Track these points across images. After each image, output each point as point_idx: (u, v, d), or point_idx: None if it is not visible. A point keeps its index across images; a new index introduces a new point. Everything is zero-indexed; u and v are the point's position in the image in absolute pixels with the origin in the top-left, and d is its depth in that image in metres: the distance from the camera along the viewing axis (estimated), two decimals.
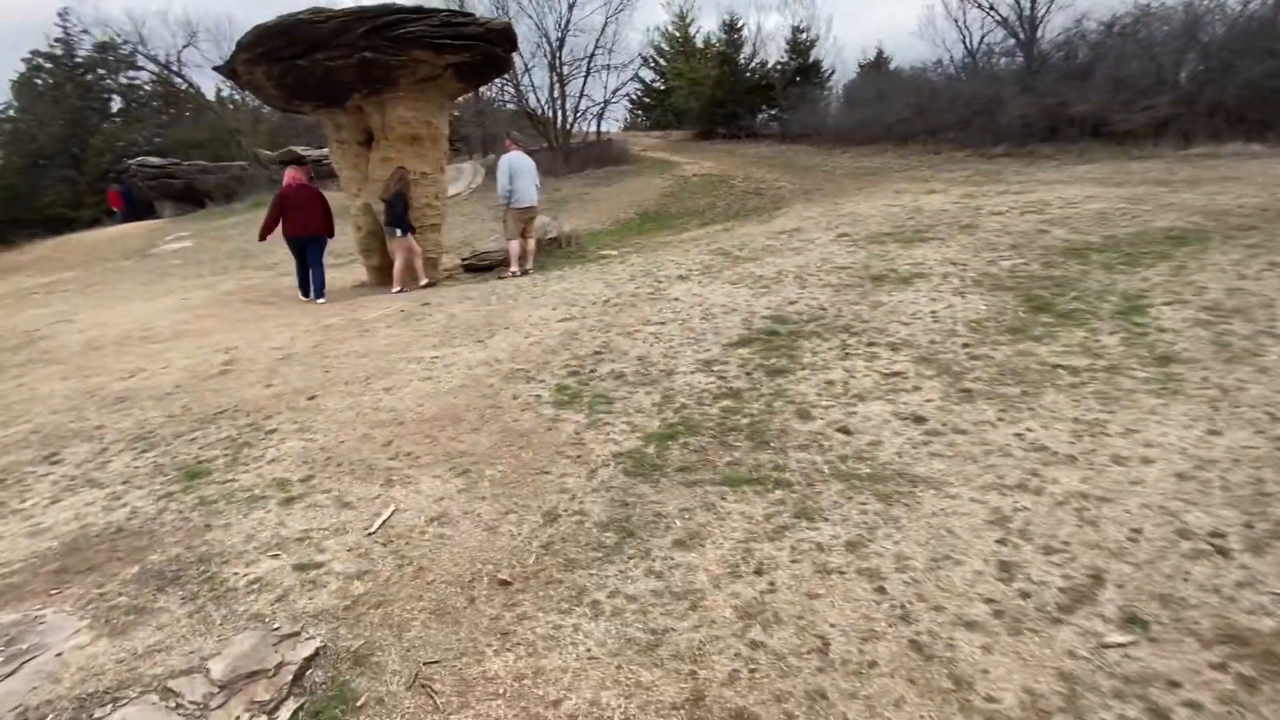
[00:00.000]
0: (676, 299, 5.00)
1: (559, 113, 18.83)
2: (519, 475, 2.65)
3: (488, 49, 7.54)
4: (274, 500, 2.65)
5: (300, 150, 23.59)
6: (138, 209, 22.66)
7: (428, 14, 6.97)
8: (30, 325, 7.34)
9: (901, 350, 3.46)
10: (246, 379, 4.39)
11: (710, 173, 15.90)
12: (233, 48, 6.91)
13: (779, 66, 23.00)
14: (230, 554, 2.25)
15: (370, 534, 2.34)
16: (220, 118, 23.61)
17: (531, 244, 8.46)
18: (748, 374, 3.42)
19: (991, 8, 17.27)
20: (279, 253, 13.53)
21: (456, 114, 24.64)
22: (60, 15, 23.90)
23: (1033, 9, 16.06)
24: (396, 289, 7.64)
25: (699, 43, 27.59)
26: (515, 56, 10.05)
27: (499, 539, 2.25)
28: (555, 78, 18.35)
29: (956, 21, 19.80)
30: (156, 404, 4.12)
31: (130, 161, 23.11)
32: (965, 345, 3.40)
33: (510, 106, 20.82)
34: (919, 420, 2.70)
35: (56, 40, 24.28)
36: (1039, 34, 15.86)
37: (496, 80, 17.59)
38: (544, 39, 18.03)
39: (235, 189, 22.02)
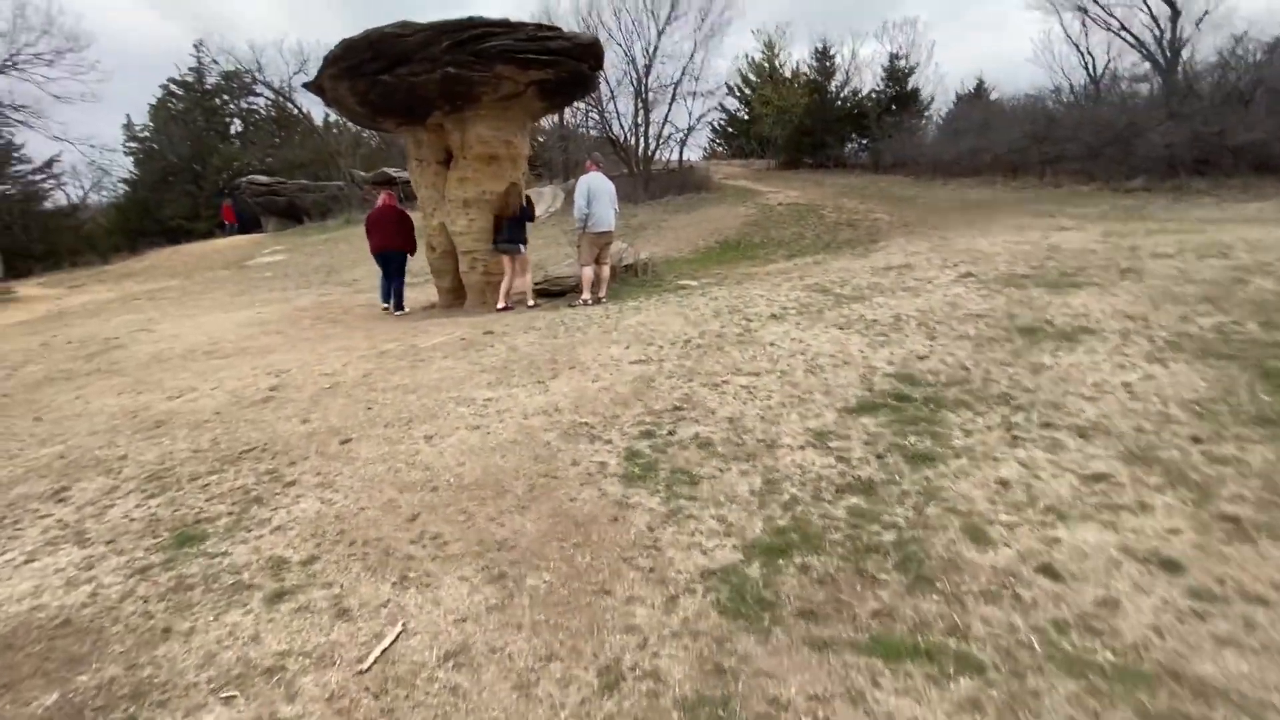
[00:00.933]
0: (772, 344, 4.22)
1: (642, 139, 18.55)
2: (571, 593, 1.94)
3: (573, 66, 7.14)
4: (261, 594, 2.06)
5: (391, 172, 24.56)
6: (246, 223, 24.21)
7: (514, 27, 6.65)
8: (114, 332, 7.43)
9: (1095, 439, 2.53)
10: (286, 410, 3.95)
11: (797, 202, 15.04)
12: (321, 65, 6.87)
13: (873, 95, 21.96)
14: (174, 689, 1.64)
15: (363, 671, 1.69)
16: (324, 140, 25.00)
17: (606, 271, 7.91)
18: (879, 456, 2.60)
19: (1123, 29, 15.68)
20: (359, 269, 13.78)
21: (540, 139, 25.10)
22: (195, 47, 26.22)
23: (1174, 30, 14.40)
24: (501, 305, 7.46)
25: (786, 72, 26.98)
26: (600, 79, 9.68)
27: (532, 708, 1.53)
28: (640, 103, 18.12)
29: (1077, 46, 18.23)
30: (189, 433, 3.74)
31: (241, 179, 24.80)
32: (1195, 440, 2.44)
33: (593, 132, 20.81)
34: (1171, 568, 1.79)
35: (190, 69, 26.62)
36: (1182, 56, 14.14)
37: (581, 102, 17.55)
38: (631, 65, 17.88)
39: (330, 207, 23.09)
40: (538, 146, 22.56)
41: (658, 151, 19.38)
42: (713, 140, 32.83)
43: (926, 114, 21.26)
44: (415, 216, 9.01)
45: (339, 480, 2.89)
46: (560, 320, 5.94)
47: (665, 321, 5.28)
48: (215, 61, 25.61)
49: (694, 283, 8.31)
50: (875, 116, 20.60)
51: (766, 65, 31.02)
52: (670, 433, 3.05)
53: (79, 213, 25.50)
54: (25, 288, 16.41)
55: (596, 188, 7.38)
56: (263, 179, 24.68)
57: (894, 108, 21.23)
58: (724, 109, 31.01)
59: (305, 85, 7.43)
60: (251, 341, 6.33)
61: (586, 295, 7.55)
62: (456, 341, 5.29)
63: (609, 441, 3.02)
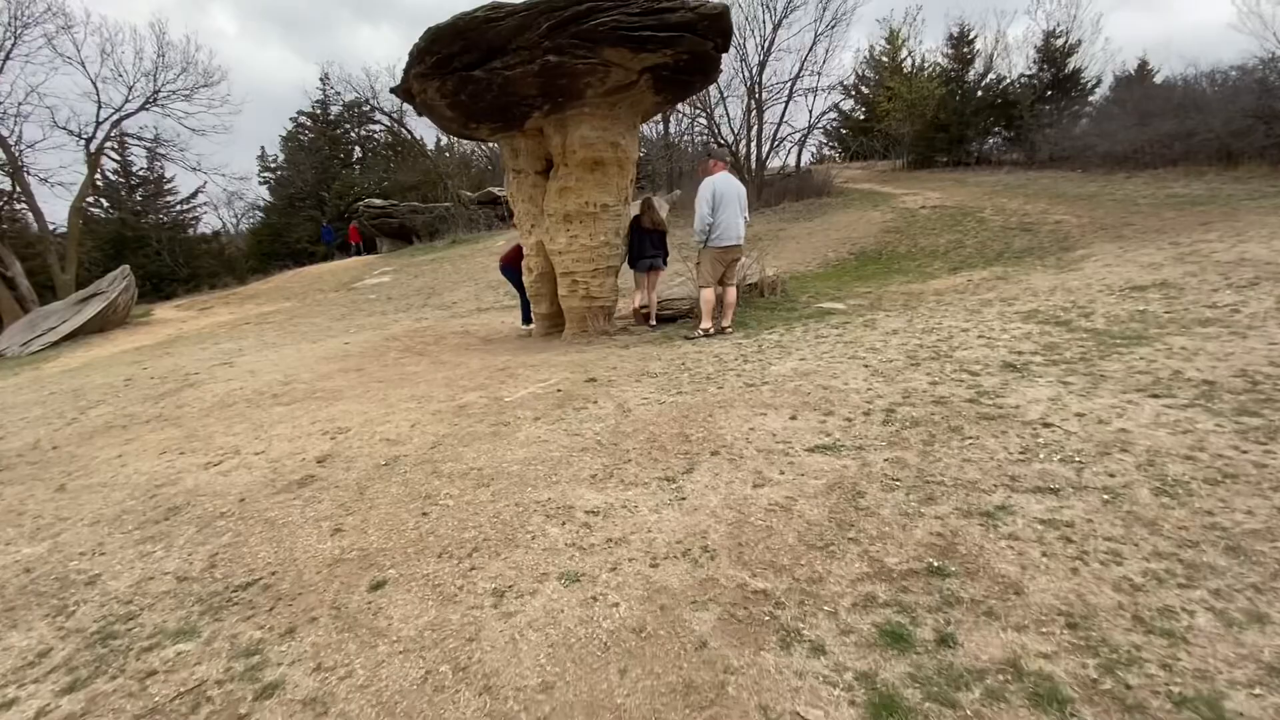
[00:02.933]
0: (1046, 423, 2.60)
1: (754, 142, 17.02)
2: None
3: (696, 44, 5.83)
4: None
5: (496, 191, 24.61)
6: (363, 244, 25.14)
7: (624, 1, 5.46)
8: (198, 366, 6.96)
9: None
10: (321, 504, 2.85)
11: (942, 204, 12.88)
12: (406, 61, 6.03)
13: (1023, 80, 19.08)
14: None
15: None
16: (434, 163, 25.57)
17: (732, 294, 6.39)
18: None
19: None
20: (459, 291, 13.24)
21: (642, 150, 24.16)
22: (321, 80, 27.88)
23: None
24: (634, 322, 7.25)
25: (910, 65, 24.36)
26: (722, 65, 8.26)
27: None
28: (753, 103, 16.61)
29: None
30: (191, 538, 2.72)
31: (359, 203, 25.85)
32: None
33: (702, 137, 19.52)
34: None
35: (316, 102, 28.31)
36: None
37: (687, 105, 16.33)
38: (742, 63, 16.42)
39: (439, 228, 23.39)
40: (640, 158, 21.67)
41: (771, 155, 17.77)
42: (825, 144, 30.65)
43: (1092, 98, 18.10)
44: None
45: (347, 676, 1.66)
46: (681, 362, 4.57)
47: (836, 370, 3.75)
48: (338, 93, 27.06)
49: (840, 306, 6.68)
50: (1028, 104, 17.80)
51: (888, 59, 28.57)
52: (942, 639, 1.56)
53: (220, 238, 27.78)
54: (163, 310, 17.53)
55: (724, 191, 5.97)
56: (378, 202, 25.58)
57: (1050, 93, 18.29)
58: (838, 110, 28.88)
59: (394, 90, 6.66)
60: (325, 382, 5.47)
61: (708, 324, 6.14)
62: (551, 394, 4.05)
63: (819, 647, 1.58)
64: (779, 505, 2.23)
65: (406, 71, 6.06)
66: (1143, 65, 21.77)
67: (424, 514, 2.58)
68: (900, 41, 25.66)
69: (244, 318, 13.30)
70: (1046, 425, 2.57)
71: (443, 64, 5.76)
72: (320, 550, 2.44)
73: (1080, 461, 2.24)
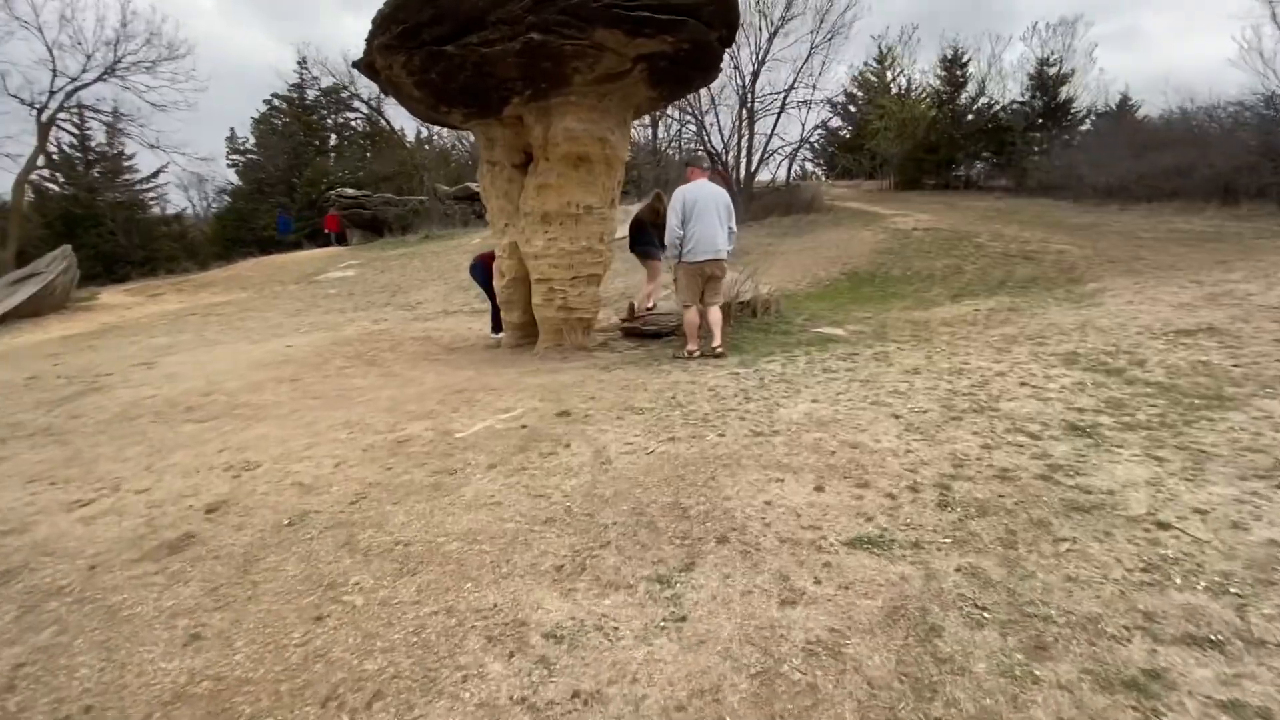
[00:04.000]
0: (1167, 524, 1.98)
1: (744, 153, 16.52)
2: None
3: (699, 33, 5.20)
4: None
5: (474, 186, 23.76)
6: (329, 235, 23.98)
7: None
8: (114, 365, 6.06)
9: None
10: (185, 590, 2.10)
11: (936, 227, 12.48)
12: (370, 29, 5.28)
13: (1015, 106, 18.96)
14: None
15: None
16: (411, 154, 24.60)
17: (716, 314, 5.70)
18: None
19: None
20: (426, 290, 12.38)
21: (629, 154, 23.55)
22: (299, 63, 26.71)
23: None
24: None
25: (897, 87, 24.20)
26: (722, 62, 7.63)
27: None
28: (745, 114, 16.11)
29: None
30: (4, 629, 1.96)
31: (331, 192, 24.72)
32: None
33: (689, 145, 18.98)
34: None
35: (292, 85, 27.12)
36: None
37: (677, 109, 15.75)
38: (736, 71, 15.92)
39: (411, 221, 22.43)
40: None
41: (761, 168, 17.29)
42: (810, 160, 30.41)
43: (1083, 128, 18.02)
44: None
45: None
46: (671, 394, 3.88)
47: (860, 420, 3.11)
48: (315, 77, 25.92)
49: (840, 332, 6.09)
50: (1020, 131, 17.64)
51: (875, 79, 28.48)
52: None
53: (182, 220, 26.33)
54: (111, 294, 16.27)
55: (697, 200, 5.31)
56: (350, 192, 24.49)
57: (1041, 121, 18.19)
58: (825, 127, 28.68)
59: (356, 64, 5.90)
60: (252, 395, 4.67)
61: (693, 346, 5.50)
62: (514, 431, 3.34)
63: None
64: (823, 645, 1.55)
65: (369, 41, 5.31)
66: (1124, 100, 21.83)
67: (318, 619, 1.85)
68: (890, 61, 25.54)
69: (192, 307, 12.27)
70: (1162, 526, 1.95)
71: (410, 35, 5.03)
72: (162, 674, 1.70)
73: (1237, 593, 1.61)
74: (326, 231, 23.22)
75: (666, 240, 5.41)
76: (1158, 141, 13.81)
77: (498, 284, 6.84)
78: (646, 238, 7.04)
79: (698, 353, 5.42)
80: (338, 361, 5.92)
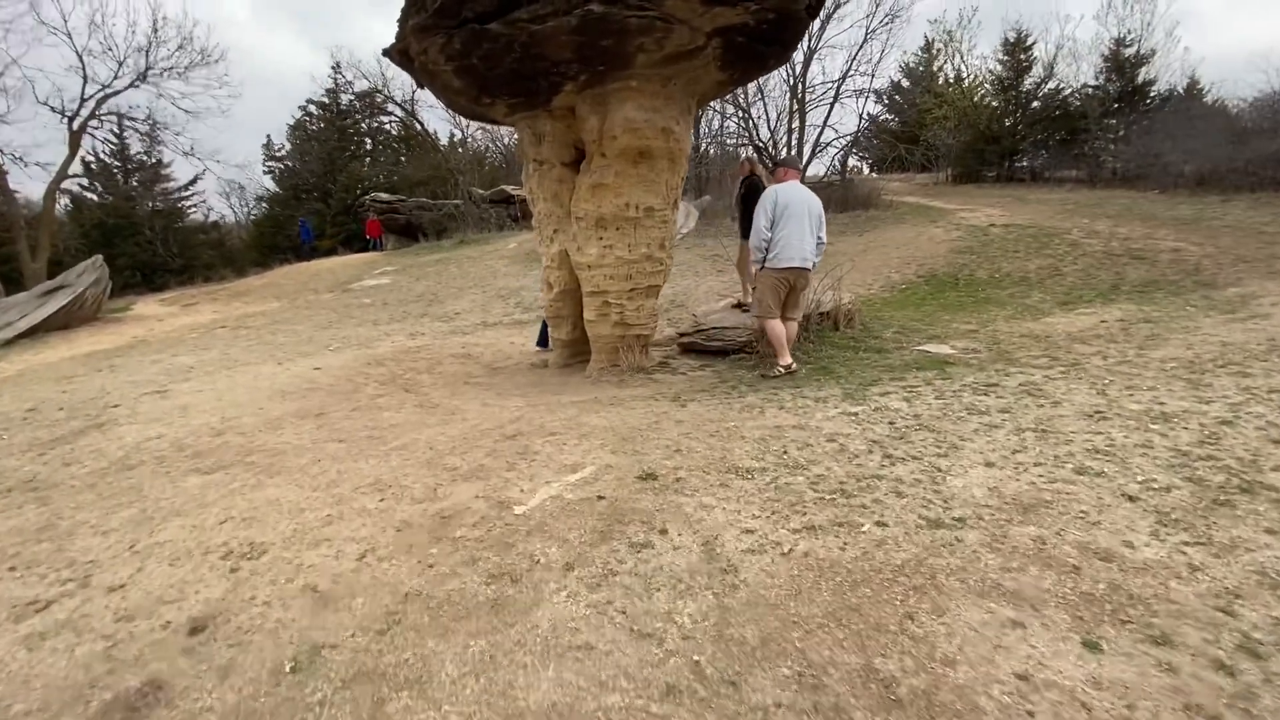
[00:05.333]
0: None
1: (795, 146, 15.53)
2: None
3: (786, 0, 4.38)
4: None
5: (510, 190, 23.21)
6: (369, 240, 23.72)
7: None
8: (126, 392, 5.50)
9: None
10: None
11: (1014, 223, 11.33)
12: (403, 6, 4.57)
13: (1088, 91, 17.51)
14: None
15: None
16: (445, 157, 24.20)
17: (792, 329, 5.06)
18: None
19: None
20: (463, 300, 11.73)
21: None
22: (333, 69, 26.59)
23: None
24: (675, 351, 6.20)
25: (946, 76, 22.82)
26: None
27: None
28: (795, 104, 15.13)
29: None
30: None
31: (365, 197, 24.49)
32: None
33: (731, 141, 18.05)
34: None
35: (327, 90, 27.03)
36: None
37: (722, 102, 14.84)
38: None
39: (446, 225, 22.00)
40: None
41: (813, 161, 16.26)
42: (856, 154, 29.14)
43: (1168, 109, 16.47)
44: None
45: None
46: (780, 445, 3.04)
47: (1076, 500, 2.23)
48: (350, 82, 25.75)
49: (949, 350, 5.16)
50: (1097, 117, 16.24)
51: (923, 69, 27.10)
52: None
53: (220, 228, 26.46)
54: (146, 304, 16.17)
55: (789, 201, 4.69)
56: (385, 196, 24.22)
57: (1118, 106, 16.73)
58: (871, 119, 27.42)
59: (387, 52, 5.21)
60: (270, 435, 4.00)
61: (788, 359, 4.80)
62: (589, 503, 2.55)
63: None
64: None
65: (402, 23, 4.61)
66: (1192, 84, 19.99)
67: None
68: (944, 47, 24.13)
69: (224, 319, 11.88)
70: None
71: (449, 12, 4.30)
72: None
73: None
74: (367, 238, 22.92)
75: (752, 242, 4.69)
76: (1259, 127, 12.37)
77: (545, 297, 6.09)
78: (746, 206, 6.22)
79: (794, 366, 4.71)
80: (369, 388, 5.23)
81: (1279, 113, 12.60)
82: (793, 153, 16.17)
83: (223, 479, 3.32)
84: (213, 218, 28.88)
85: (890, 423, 3.23)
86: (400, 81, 24.00)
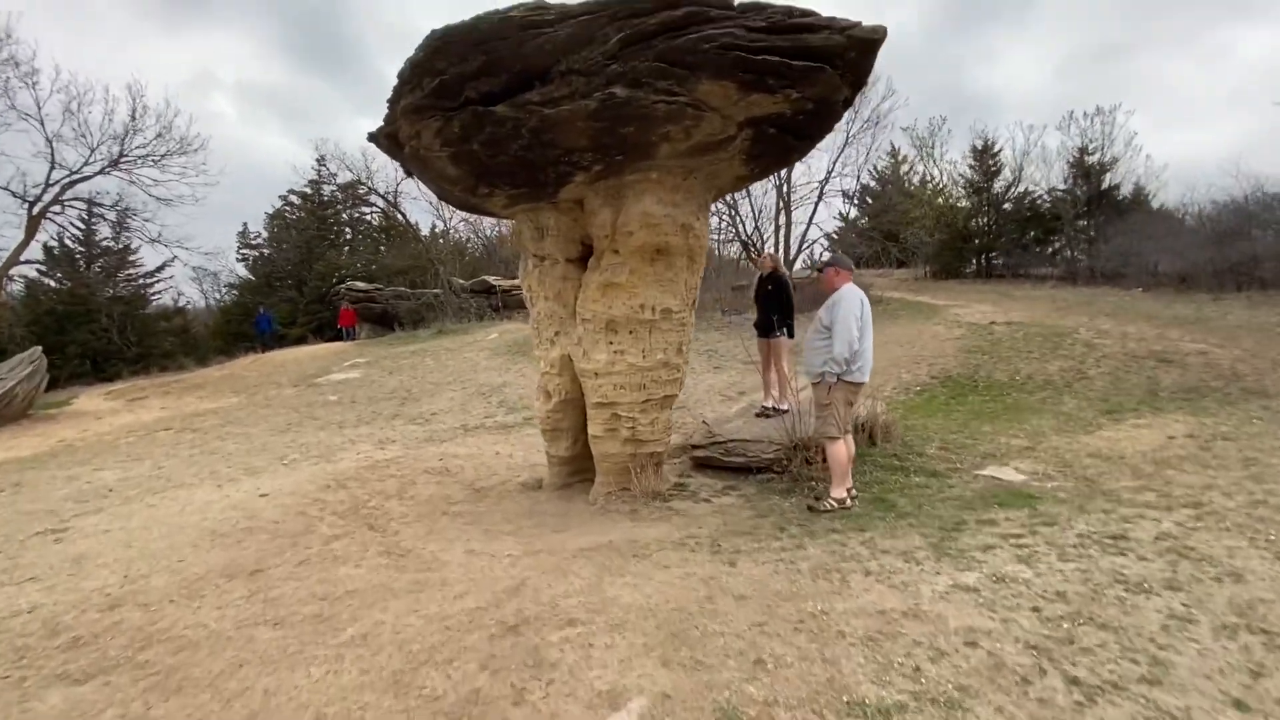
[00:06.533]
0: None
1: (781, 244, 15.54)
2: None
3: (831, 86, 3.93)
4: None
5: (491, 280, 22.88)
6: (341, 330, 22.80)
7: (744, 10, 3.58)
8: (13, 529, 4.38)
9: None
10: None
11: (1017, 321, 11.08)
12: (395, 84, 4.03)
13: (1057, 194, 18.21)
14: None
15: None
16: (426, 247, 23.96)
17: (851, 446, 4.37)
18: None
19: None
20: (440, 398, 10.76)
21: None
22: (317, 161, 26.69)
23: None
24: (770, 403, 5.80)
25: (919, 178, 23.90)
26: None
27: None
28: (781, 202, 15.27)
29: None
30: None
31: (341, 286, 23.88)
32: None
33: (716, 236, 18.08)
34: None
35: (310, 182, 27.03)
36: None
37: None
38: None
39: (424, 315, 21.36)
40: None
41: (798, 258, 16.26)
42: (828, 249, 29.95)
43: (1140, 211, 17.08)
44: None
45: None
46: (903, 651, 2.19)
47: None
48: (333, 174, 25.79)
49: (1015, 475, 4.44)
50: (1070, 219, 16.74)
51: (890, 173, 28.43)
52: None
53: (185, 314, 25.36)
54: (90, 397, 14.82)
55: (868, 310, 4.16)
56: (361, 285, 23.65)
57: (1088, 209, 17.33)
58: (843, 216, 28.40)
59: (372, 136, 4.64)
60: (184, 610, 2.98)
61: (841, 493, 4.12)
62: None
63: None
64: None
65: (393, 103, 4.04)
66: (1138, 191, 20.23)
67: None
68: (903, 156, 25.38)
69: (171, 417, 10.70)
70: None
71: (448, 90, 3.74)
72: None
73: None
74: (339, 327, 21.98)
75: (837, 352, 4.04)
76: (1236, 229, 12.69)
77: (542, 408, 5.27)
78: (769, 303, 5.86)
79: (849, 501, 3.96)
80: (324, 525, 4.24)
81: (1252, 216, 12.98)
82: (769, 249, 16.18)
83: (96, 699, 2.29)
84: (182, 303, 27.87)
85: (1034, 609, 2.40)
86: (385, 173, 24.08)
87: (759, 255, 16.54)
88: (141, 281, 23.02)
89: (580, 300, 4.81)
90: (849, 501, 4.06)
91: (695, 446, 5.87)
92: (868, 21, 3.75)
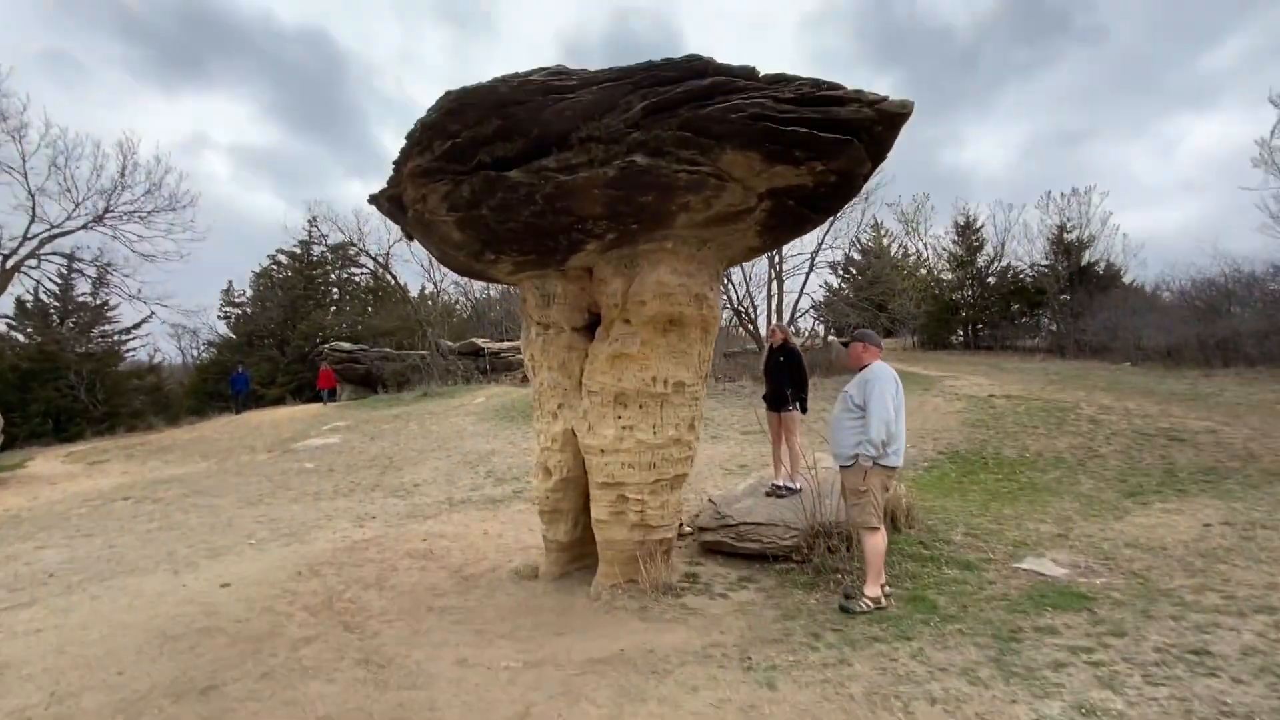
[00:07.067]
0: None
1: (775, 313, 15.58)
2: None
3: (855, 160, 3.83)
4: None
5: (480, 342, 22.63)
6: (320, 392, 22.13)
7: (772, 81, 3.50)
8: None
9: None
10: None
11: (1012, 394, 10.99)
12: (403, 145, 3.85)
13: (1040, 269, 18.69)
14: None
15: None
16: (415, 309, 23.76)
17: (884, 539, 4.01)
18: None
19: None
20: (424, 467, 10.20)
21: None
22: (309, 222, 26.72)
23: None
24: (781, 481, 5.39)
25: (903, 251, 24.58)
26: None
27: None
28: (772, 272, 15.41)
29: None
30: None
31: (324, 346, 23.43)
32: None
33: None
34: None
35: (300, 242, 26.99)
36: None
37: None
38: None
39: (409, 377, 20.90)
40: None
41: (790, 326, 16.25)
42: (816, 318, 30.34)
43: (1116, 288, 17.51)
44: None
45: None
46: None
47: None
48: (324, 235, 25.80)
49: (1056, 569, 4.10)
50: (1054, 294, 17.09)
51: (873, 245, 29.24)
52: None
53: (158, 372, 24.55)
54: (47, 460, 13.96)
55: (900, 388, 3.91)
56: (345, 346, 23.23)
57: (1070, 284, 17.74)
58: (828, 287, 28.94)
59: (373, 198, 4.43)
60: None
61: (876, 592, 3.72)
62: None
63: None
64: None
65: (399, 165, 3.85)
66: (1109, 266, 20.85)
67: None
68: (885, 230, 26.19)
69: (132, 484, 10.01)
70: None
71: (461, 154, 3.57)
72: None
73: None
74: (319, 389, 21.25)
75: (874, 434, 3.74)
76: (1216, 307, 12.96)
77: (541, 486, 4.87)
78: (780, 376, 5.56)
79: (884, 600, 3.62)
80: (294, 625, 3.73)
81: (1231, 293, 13.30)
82: (777, 321, 16.18)
83: None
84: (158, 359, 27.07)
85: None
86: (377, 235, 24.11)
87: (750, 321, 16.54)
88: (116, 338, 22.37)
89: (587, 372, 4.53)
90: (884, 600, 3.68)
91: (703, 529, 5.48)
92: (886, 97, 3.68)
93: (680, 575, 4.61)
